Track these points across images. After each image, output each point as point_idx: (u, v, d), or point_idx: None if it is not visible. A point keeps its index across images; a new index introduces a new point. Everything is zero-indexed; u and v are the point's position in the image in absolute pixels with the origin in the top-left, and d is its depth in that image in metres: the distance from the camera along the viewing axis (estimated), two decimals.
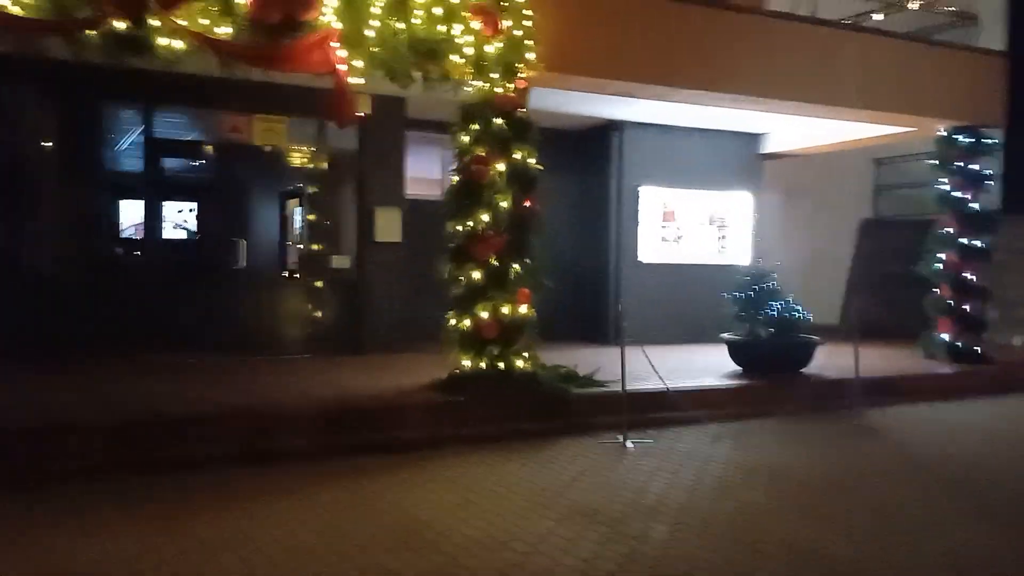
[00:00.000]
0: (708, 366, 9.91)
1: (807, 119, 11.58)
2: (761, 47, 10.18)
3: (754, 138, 13.46)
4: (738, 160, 13.36)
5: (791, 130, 12.76)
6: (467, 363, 8.03)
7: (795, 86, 10.37)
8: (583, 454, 6.90)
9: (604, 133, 12.58)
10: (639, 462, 6.64)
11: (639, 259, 12.72)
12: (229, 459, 6.32)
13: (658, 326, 12.08)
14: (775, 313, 9.45)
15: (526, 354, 8.11)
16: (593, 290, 12.74)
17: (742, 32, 10.12)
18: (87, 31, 6.28)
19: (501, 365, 7.97)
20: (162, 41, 6.52)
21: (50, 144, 9.34)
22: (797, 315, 9.50)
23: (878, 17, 13.48)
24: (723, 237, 13.37)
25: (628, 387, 7.82)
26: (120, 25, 6.30)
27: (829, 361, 9.72)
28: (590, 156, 12.91)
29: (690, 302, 12.45)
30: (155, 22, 6.40)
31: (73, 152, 9.35)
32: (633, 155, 12.58)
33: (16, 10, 6.03)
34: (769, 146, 13.64)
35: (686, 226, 13.09)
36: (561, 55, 8.39)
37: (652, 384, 8.16)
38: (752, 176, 13.55)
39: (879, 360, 10.66)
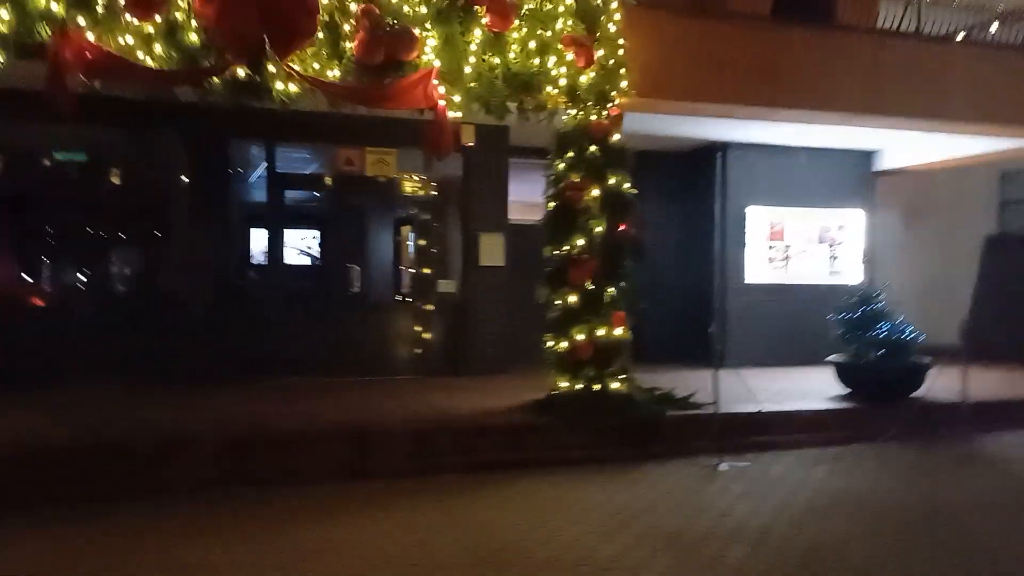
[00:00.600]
0: (814, 389, 9.72)
1: (922, 135, 11.23)
2: (868, 65, 10.02)
3: (866, 155, 13.11)
4: (849, 178, 13.05)
5: (906, 146, 12.37)
6: (564, 384, 8.25)
7: (905, 103, 10.14)
8: (672, 476, 6.97)
9: (707, 154, 12.57)
10: (728, 486, 6.66)
11: (745, 280, 12.60)
12: (332, 475, 6.75)
13: (766, 348, 11.94)
14: (883, 334, 9.20)
15: (622, 376, 8.25)
16: (698, 312, 12.67)
17: (848, 50, 10.00)
18: (212, 78, 6.93)
19: (596, 387, 8.14)
20: (278, 85, 7.10)
21: (186, 179, 10.19)
22: (907, 336, 9.22)
23: (992, 29, 12.89)
24: (834, 257, 13.06)
25: (728, 409, 7.82)
26: (241, 71, 6.92)
27: (945, 385, 9.35)
28: (693, 177, 12.92)
29: (799, 323, 12.20)
30: (272, 67, 6.98)
31: (205, 186, 10.14)
32: (738, 175, 12.50)
33: (149, 62, 6.73)
34: (883, 163, 13.25)
35: (795, 246, 12.87)
36: (655, 81, 8.57)
37: (752, 407, 8.12)
38: (865, 193, 13.19)
39: (999, 384, 10.17)
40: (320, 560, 4.91)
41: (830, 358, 9.69)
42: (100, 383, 9.10)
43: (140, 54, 6.64)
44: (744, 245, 12.55)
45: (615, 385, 8.18)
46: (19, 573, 4.68)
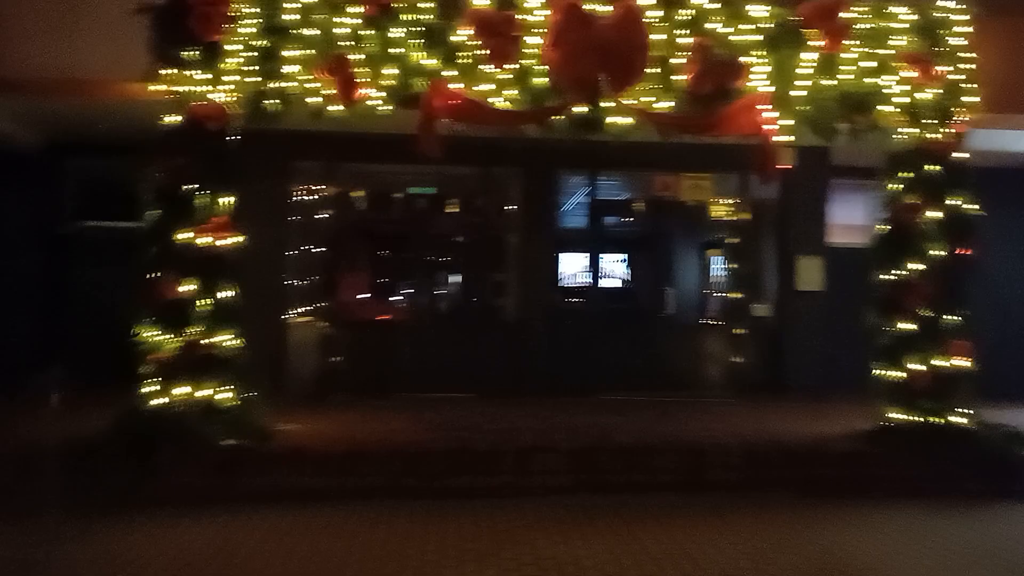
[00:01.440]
0: None
1: None
2: None
3: None
4: None
5: None
6: (895, 415, 7.86)
7: None
8: None
9: None
10: None
11: None
12: (670, 486, 7.03)
13: None
14: None
15: (964, 410, 7.70)
16: None
17: None
18: (554, 116, 7.61)
19: (933, 419, 7.67)
20: (612, 119, 7.62)
21: (514, 208, 11.13)
22: None
23: None
24: None
25: None
26: (580, 109, 7.53)
27: None
28: None
29: None
30: (608, 104, 7.52)
31: (533, 215, 10.99)
32: None
33: (506, 105, 7.54)
34: None
35: None
36: (1008, 95, 7.97)
37: None
38: None
39: None
40: (671, 564, 5.20)
41: None
42: (447, 393, 10.20)
43: (495, 98, 7.50)
44: None
45: (956, 419, 7.66)
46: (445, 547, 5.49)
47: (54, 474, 5.61)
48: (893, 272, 7.92)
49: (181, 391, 7.08)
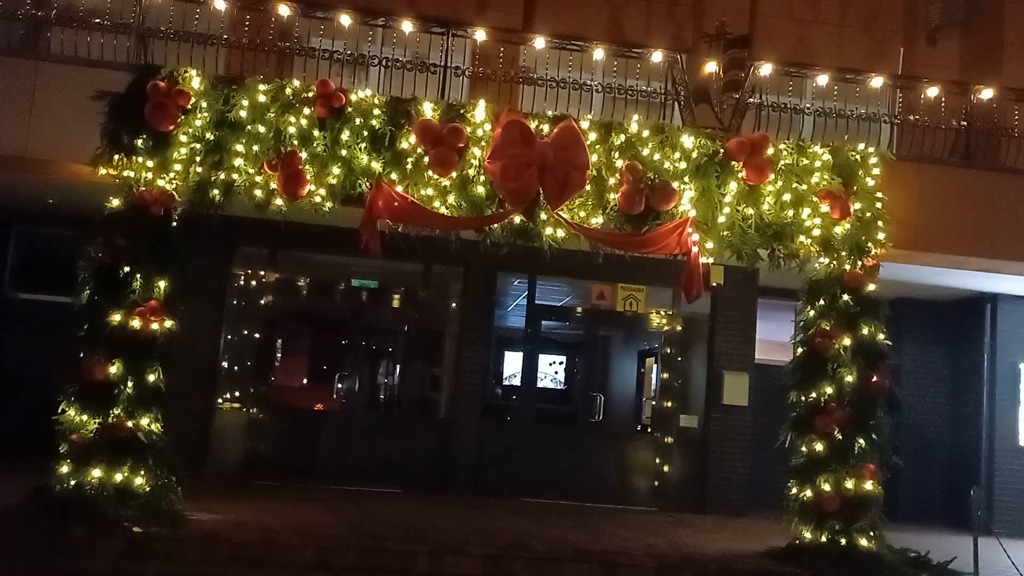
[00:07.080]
0: None
1: None
2: None
3: None
4: None
5: None
6: (807, 535, 8.05)
7: None
8: None
9: (975, 304, 11.89)
10: None
11: (1020, 443, 11.56)
12: None
13: None
14: None
15: (871, 532, 7.93)
16: (961, 472, 11.75)
17: None
18: (493, 224, 7.95)
19: (843, 541, 7.88)
20: (548, 230, 7.99)
21: (454, 304, 11.35)
22: None
23: None
24: None
25: None
26: (517, 218, 7.89)
27: None
28: (959, 328, 12.21)
29: None
30: (543, 215, 7.89)
31: (470, 311, 11.19)
32: (1010, 329, 11.65)
33: (443, 210, 7.86)
34: None
35: None
36: (916, 233, 8.53)
37: None
38: None
39: None
40: None
41: None
42: (374, 487, 10.21)
43: (436, 203, 7.82)
44: (1018, 404, 11.60)
45: (863, 541, 7.87)
46: None
47: None
48: (808, 394, 8.23)
49: (96, 473, 7.02)
